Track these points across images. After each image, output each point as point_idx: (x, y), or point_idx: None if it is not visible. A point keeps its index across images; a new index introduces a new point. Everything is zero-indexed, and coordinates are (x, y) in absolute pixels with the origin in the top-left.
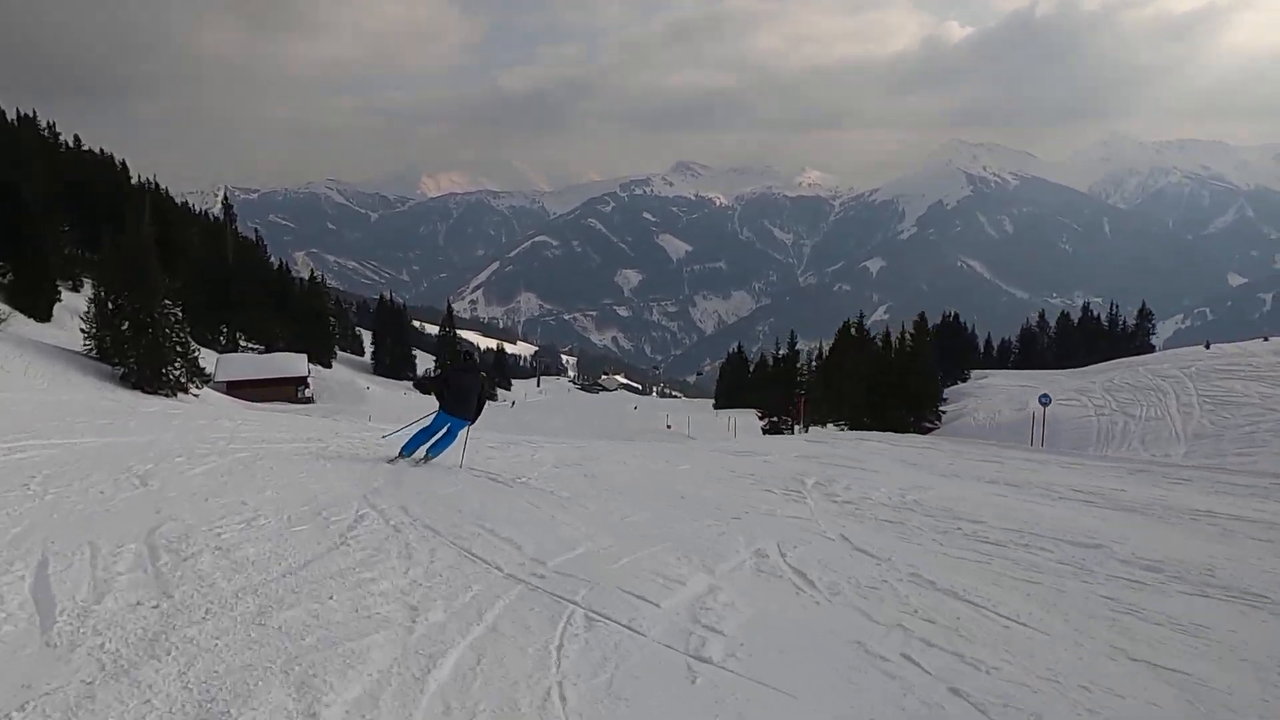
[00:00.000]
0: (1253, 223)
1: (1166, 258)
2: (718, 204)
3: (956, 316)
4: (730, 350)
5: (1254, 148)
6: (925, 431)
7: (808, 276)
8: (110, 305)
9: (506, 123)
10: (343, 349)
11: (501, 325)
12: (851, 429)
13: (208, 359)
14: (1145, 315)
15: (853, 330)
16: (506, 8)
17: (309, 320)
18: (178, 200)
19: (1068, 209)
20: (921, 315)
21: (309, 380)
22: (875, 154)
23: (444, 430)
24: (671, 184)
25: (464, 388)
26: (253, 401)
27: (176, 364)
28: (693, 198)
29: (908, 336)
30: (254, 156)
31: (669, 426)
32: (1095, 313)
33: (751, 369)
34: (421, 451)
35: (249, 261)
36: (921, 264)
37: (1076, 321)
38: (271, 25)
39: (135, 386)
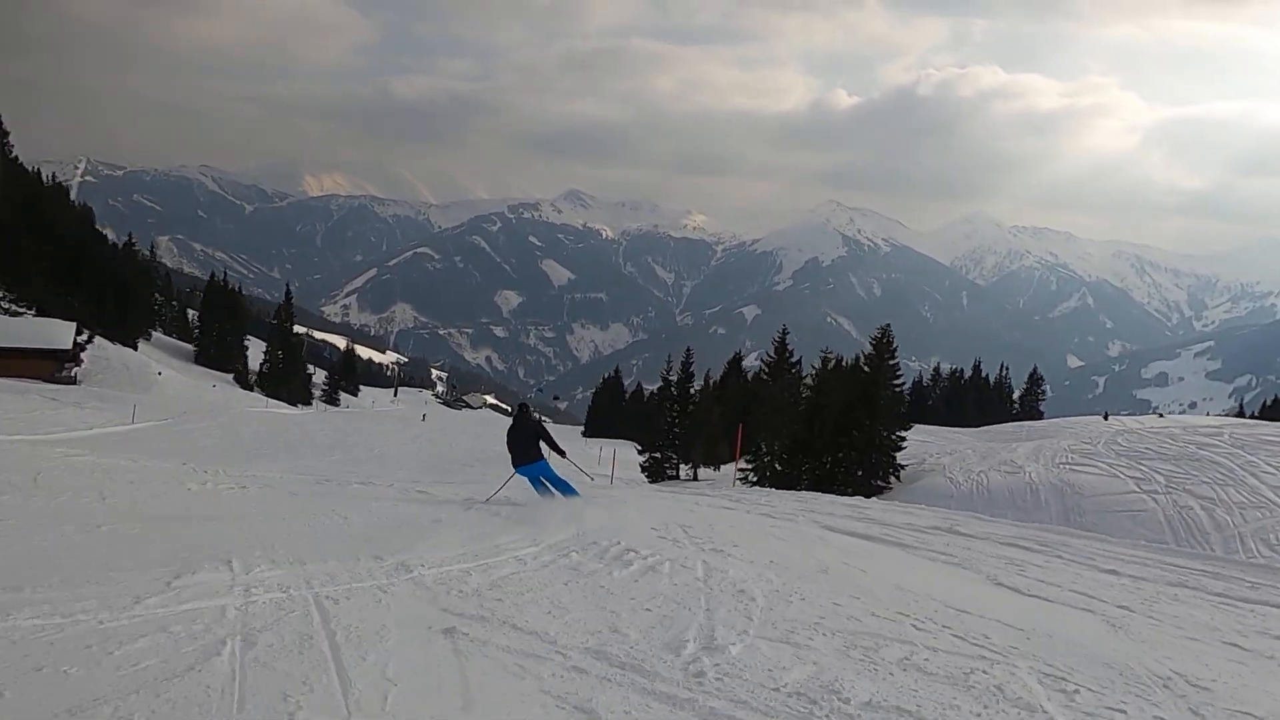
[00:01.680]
0: (1092, 311)
1: (1015, 334)
2: (604, 236)
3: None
4: (605, 375)
5: (1097, 242)
6: (877, 491)
7: (685, 316)
8: None
9: (396, 130)
10: (170, 333)
11: (373, 333)
12: (760, 483)
13: None
14: (1036, 380)
15: (770, 351)
16: (404, 14)
17: (113, 289)
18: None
19: (932, 279)
20: (885, 328)
21: (82, 357)
22: (756, 202)
23: (535, 481)
24: (560, 211)
25: (518, 440)
26: None
27: None
28: (580, 227)
29: (860, 358)
30: (121, 132)
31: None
32: (984, 373)
33: (627, 397)
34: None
35: (41, 208)
36: (794, 316)
37: (965, 381)
38: None
39: None
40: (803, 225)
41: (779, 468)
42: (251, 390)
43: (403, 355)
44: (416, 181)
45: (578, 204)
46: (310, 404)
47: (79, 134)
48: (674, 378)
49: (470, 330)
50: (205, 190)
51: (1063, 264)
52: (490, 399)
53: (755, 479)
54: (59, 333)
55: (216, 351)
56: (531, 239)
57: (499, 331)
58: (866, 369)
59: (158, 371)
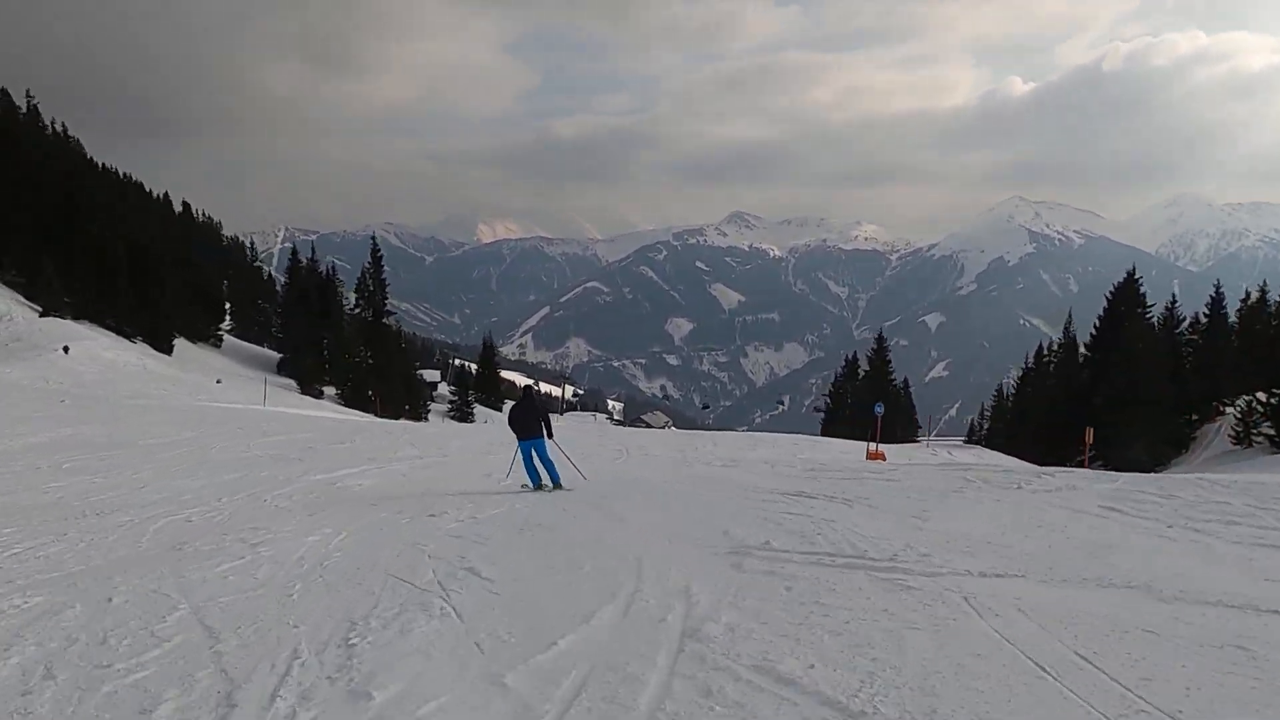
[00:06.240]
0: None
1: None
2: (771, 255)
3: None
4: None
5: None
6: None
7: (862, 330)
8: None
9: (559, 170)
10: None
11: (550, 369)
12: None
13: None
14: None
15: None
16: (561, 55)
17: (126, 273)
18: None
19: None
20: None
21: None
22: (930, 209)
23: (533, 454)
24: (725, 234)
25: (524, 417)
26: None
27: None
28: (746, 248)
29: None
30: (314, 199)
31: None
32: None
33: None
34: (545, 478)
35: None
36: (982, 320)
37: None
38: (331, 66)
39: None
40: (983, 225)
41: None
42: (320, 397)
43: (578, 388)
44: (581, 219)
45: (742, 225)
46: (423, 418)
47: (281, 205)
48: None
49: (643, 360)
50: (388, 245)
51: None
52: (665, 418)
53: None
54: None
55: (308, 359)
56: (698, 264)
57: (672, 360)
58: None
59: (63, 348)
